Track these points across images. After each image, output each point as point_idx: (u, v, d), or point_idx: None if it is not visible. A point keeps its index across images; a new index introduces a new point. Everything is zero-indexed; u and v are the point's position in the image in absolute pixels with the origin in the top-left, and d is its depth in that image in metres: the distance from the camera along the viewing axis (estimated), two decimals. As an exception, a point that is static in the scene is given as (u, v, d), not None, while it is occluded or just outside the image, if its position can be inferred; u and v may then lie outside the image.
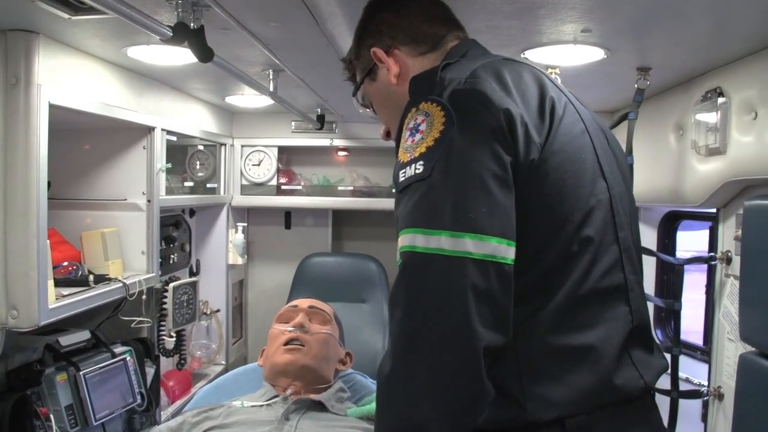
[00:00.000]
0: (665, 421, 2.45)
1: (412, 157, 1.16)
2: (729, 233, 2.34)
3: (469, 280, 1.08)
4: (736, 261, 2.24)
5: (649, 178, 2.75)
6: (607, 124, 1.48)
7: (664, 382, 2.47)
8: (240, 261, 3.76)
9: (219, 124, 3.50)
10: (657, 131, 2.72)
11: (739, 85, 2.10)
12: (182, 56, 2.11)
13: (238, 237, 3.73)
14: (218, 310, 3.61)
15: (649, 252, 2.50)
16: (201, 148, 3.51)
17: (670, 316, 2.46)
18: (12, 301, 1.89)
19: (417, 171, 1.14)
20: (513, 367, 1.17)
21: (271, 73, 2.36)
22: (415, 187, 1.14)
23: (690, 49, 2.05)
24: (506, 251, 1.11)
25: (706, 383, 2.44)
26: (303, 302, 2.06)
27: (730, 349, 2.27)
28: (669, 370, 2.40)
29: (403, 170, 1.17)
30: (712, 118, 2.20)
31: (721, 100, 2.15)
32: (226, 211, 3.72)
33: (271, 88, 2.39)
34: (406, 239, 1.13)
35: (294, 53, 2.07)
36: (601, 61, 2.12)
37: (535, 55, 2.09)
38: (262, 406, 1.81)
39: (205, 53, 1.62)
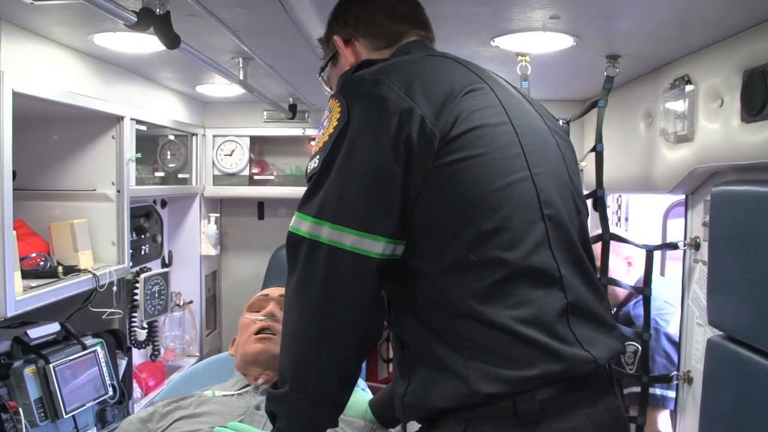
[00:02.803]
0: (635, 406, 2.49)
1: (314, 152, 1.29)
2: (697, 219, 2.38)
3: (321, 264, 1.22)
4: (705, 247, 2.28)
5: (619, 166, 2.78)
6: (547, 111, 1.53)
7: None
8: (213, 252, 3.73)
9: (190, 114, 3.46)
10: (627, 119, 2.75)
11: (705, 73, 2.12)
12: (150, 44, 2.08)
13: (210, 228, 3.70)
14: (191, 302, 3.58)
15: (619, 238, 2.53)
16: (172, 138, 3.47)
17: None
18: (-23, 294, 1.86)
19: (314, 165, 1.27)
20: (456, 346, 1.23)
21: (240, 61, 2.34)
22: (313, 179, 1.27)
23: (658, 38, 2.07)
24: (371, 245, 1.22)
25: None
26: (274, 291, 2.04)
27: (699, 333, 2.31)
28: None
29: (309, 163, 1.30)
30: (680, 105, 2.23)
31: (688, 87, 2.17)
32: (198, 201, 3.69)
33: (241, 77, 2.37)
34: (292, 220, 1.28)
35: (263, 40, 2.05)
36: (571, 48, 2.13)
37: (505, 42, 2.10)
38: (233, 395, 1.80)
39: (171, 40, 1.60)
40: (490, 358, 1.21)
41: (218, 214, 3.83)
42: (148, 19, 1.51)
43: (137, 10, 1.49)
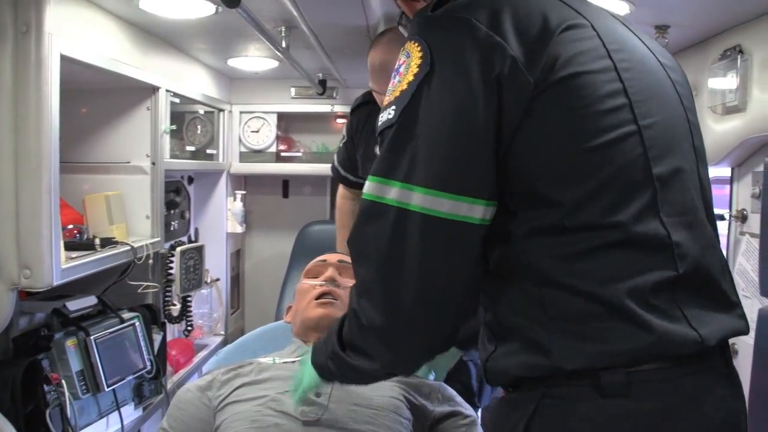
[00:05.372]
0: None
1: (388, 101, 1.11)
2: (744, 192, 2.35)
3: (416, 237, 1.06)
4: (753, 219, 2.25)
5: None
6: (658, 45, 1.33)
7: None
8: (239, 229, 3.71)
9: (218, 89, 3.42)
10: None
11: (760, 43, 2.08)
12: (195, 8, 2.05)
13: (236, 205, 3.67)
14: (218, 279, 3.55)
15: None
16: (201, 112, 3.43)
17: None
18: (24, 261, 1.80)
19: (389, 116, 1.09)
20: (541, 317, 1.09)
21: (283, 29, 2.30)
22: (386, 133, 1.10)
23: (711, 7, 2.03)
24: (468, 210, 1.06)
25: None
26: (332, 257, 2.02)
27: (746, 305, 2.27)
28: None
29: (381, 114, 1.12)
30: (730, 76, 2.19)
31: (741, 57, 2.14)
32: (224, 178, 3.65)
33: (284, 45, 2.33)
34: (367, 186, 1.11)
35: (314, 3, 2.01)
36: (624, 16, 2.09)
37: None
38: (294, 362, 1.78)
39: (233, -3, 1.57)
40: (576, 331, 1.07)
41: (244, 192, 3.80)
42: (213, -26, 1.47)
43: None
